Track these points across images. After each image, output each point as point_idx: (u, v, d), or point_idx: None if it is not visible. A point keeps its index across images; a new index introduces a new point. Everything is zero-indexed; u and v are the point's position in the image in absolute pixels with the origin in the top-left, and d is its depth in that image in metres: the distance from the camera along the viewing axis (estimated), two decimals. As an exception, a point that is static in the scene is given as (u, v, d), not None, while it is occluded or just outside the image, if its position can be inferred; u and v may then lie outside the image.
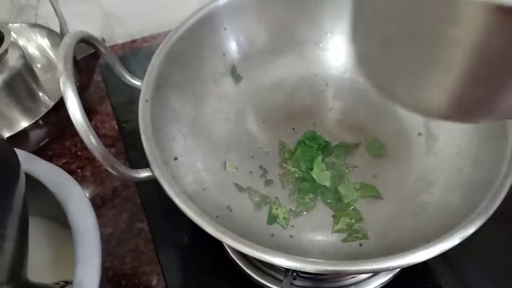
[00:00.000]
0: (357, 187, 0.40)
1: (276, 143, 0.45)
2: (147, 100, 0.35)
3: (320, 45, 0.48)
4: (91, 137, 0.28)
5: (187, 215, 0.30)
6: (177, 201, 0.30)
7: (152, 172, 0.32)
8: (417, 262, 0.29)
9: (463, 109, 0.21)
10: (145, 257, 0.46)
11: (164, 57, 0.38)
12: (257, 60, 0.46)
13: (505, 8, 0.14)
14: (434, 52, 0.18)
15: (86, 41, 0.32)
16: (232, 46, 0.45)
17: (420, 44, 0.18)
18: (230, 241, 0.28)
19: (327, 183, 0.41)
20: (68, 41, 0.29)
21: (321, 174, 0.41)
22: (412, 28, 0.18)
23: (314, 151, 0.42)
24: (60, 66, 0.27)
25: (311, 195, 0.40)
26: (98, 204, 0.51)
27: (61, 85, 0.27)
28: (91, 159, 0.55)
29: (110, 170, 0.30)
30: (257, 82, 0.47)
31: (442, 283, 0.41)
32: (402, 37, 0.19)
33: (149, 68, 0.37)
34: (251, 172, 0.43)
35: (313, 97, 0.47)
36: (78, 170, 0.54)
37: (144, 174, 0.32)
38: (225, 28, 0.43)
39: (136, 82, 0.37)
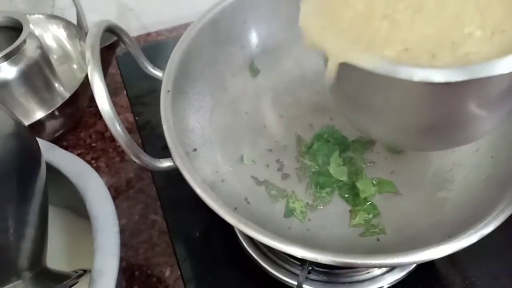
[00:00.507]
0: (375, 183, 0.40)
1: (293, 137, 0.45)
2: (168, 91, 0.35)
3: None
4: (117, 125, 0.28)
5: (208, 205, 0.30)
6: (199, 191, 0.30)
7: (173, 162, 0.32)
8: (437, 258, 0.29)
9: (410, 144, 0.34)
10: (158, 248, 0.47)
11: (185, 49, 0.38)
12: (275, 54, 0.46)
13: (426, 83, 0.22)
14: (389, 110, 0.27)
15: (111, 30, 0.32)
16: (252, 40, 0.45)
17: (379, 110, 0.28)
18: (252, 232, 0.28)
19: (344, 178, 0.41)
20: (94, 30, 0.29)
21: (338, 169, 0.41)
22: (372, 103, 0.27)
23: (331, 145, 0.42)
24: (88, 54, 0.27)
25: (328, 190, 0.40)
26: (112, 195, 0.49)
27: (89, 73, 0.27)
28: (105, 150, 0.55)
29: (134, 159, 0.30)
30: (275, 76, 0.47)
31: (456, 281, 0.41)
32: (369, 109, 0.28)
33: (170, 59, 0.37)
34: (267, 165, 0.43)
35: (331, 92, 0.47)
36: (93, 161, 0.54)
37: (166, 163, 0.32)
38: (245, 22, 0.43)
39: (157, 73, 0.37)
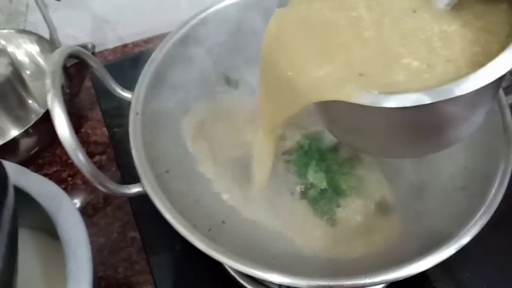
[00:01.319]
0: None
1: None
2: (137, 113, 0.34)
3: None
4: (79, 154, 0.27)
5: (178, 231, 0.29)
6: (168, 217, 0.30)
7: (142, 187, 0.31)
8: (411, 275, 0.29)
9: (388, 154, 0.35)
10: (138, 266, 0.46)
11: (155, 69, 0.37)
12: (249, 69, 0.45)
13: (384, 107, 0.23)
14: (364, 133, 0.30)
15: (75, 55, 0.31)
16: (223, 55, 0.44)
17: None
18: (221, 258, 0.28)
19: (323, 185, 0.40)
20: (56, 57, 0.28)
21: (316, 175, 0.41)
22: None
23: (309, 155, 0.42)
24: (48, 82, 0.26)
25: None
26: (90, 212, 0.51)
27: (49, 101, 0.26)
28: (82, 167, 0.54)
29: (100, 188, 0.30)
30: (250, 90, 0.46)
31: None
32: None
33: (139, 81, 0.36)
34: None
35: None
36: (69, 179, 0.53)
37: (134, 189, 0.32)
38: (215, 37, 0.42)
39: (126, 95, 0.36)
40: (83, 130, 0.58)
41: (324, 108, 0.31)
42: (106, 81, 0.35)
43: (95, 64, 0.33)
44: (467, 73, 0.22)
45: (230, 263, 0.28)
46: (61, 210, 0.36)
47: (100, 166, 0.54)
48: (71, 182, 0.53)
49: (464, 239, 0.30)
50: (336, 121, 0.31)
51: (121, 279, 0.46)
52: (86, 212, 0.51)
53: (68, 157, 0.55)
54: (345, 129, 0.32)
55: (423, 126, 0.27)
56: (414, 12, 0.26)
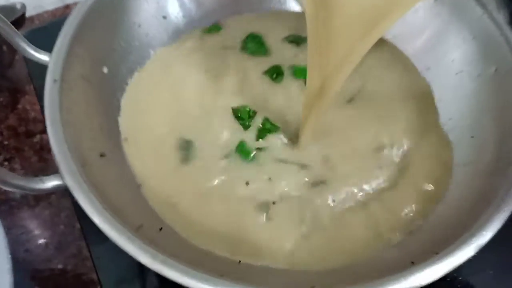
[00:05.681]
0: None
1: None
2: (55, 80, 0.26)
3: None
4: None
5: (109, 238, 0.22)
6: (97, 220, 0.22)
7: (62, 179, 0.24)
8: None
9: None
10: (89, 262, 0.40)
11: (81, 23, 0.29)
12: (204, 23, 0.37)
13: None
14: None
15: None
16: (175, 8, 0.36)
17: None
18: (167, 272, 0.21)
19: None
20: None
21: None
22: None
23: None
24: None
25: None
26: (32, 203, 0.44)
27: None
28: (20, 149, 0.47)
29: (1, 186, 0.22)
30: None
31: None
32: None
33: (59, 39, 0.28)
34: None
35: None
36: (5, 163, 0.46)
37: (50, 183, 0.24)
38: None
39: (42, 57, 0.28)
40: (20, 106, 0.50)
41: None
42: (14, 41, 0.27)
43: (-3, 20, 0.25)
44: None
45: (182, 279, 0.21)
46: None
47: (41, 147, 0.47)
48: (8, 167, 0.46)
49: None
50: None
51: (70, 278, 0.40)
52: (27, 202, 0.44)
53: (3, 138, 0.48)
54: None
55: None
56: None
